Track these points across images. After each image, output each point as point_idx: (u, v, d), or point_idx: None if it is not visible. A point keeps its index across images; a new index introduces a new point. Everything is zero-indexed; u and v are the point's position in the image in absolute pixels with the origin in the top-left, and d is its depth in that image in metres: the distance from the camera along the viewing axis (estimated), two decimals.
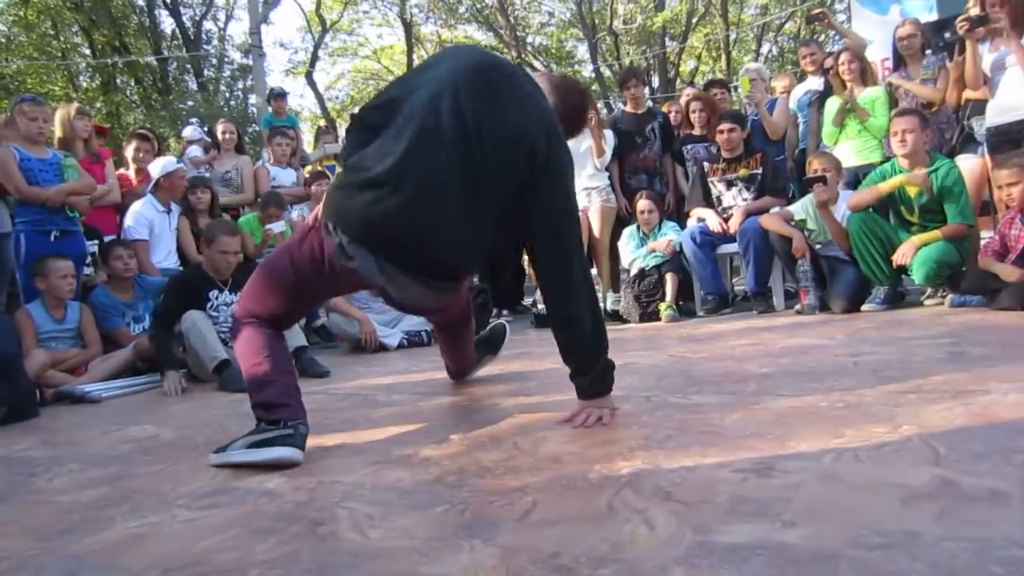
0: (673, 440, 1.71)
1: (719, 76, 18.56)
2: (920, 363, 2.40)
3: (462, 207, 1.83)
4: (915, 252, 3.94)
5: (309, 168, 6.66)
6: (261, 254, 5.05)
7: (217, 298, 3.95)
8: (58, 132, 4.80)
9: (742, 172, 5.01)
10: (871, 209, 4.17)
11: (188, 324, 3.69)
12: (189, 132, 6.81)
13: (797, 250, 4.37)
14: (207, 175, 5.73)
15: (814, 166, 4.54)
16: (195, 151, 6.16)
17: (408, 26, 21.82)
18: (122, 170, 5.52)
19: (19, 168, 4.09)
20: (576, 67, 23.31)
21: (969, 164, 4.34)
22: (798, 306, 4.36)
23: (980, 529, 1.05)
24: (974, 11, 4.48)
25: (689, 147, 5.65)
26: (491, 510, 1.34)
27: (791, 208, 4.67)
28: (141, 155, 5.45)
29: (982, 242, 4.17)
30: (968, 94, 4.46)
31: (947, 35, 4.78)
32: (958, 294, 3.88)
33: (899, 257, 3.98)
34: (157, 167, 5.08)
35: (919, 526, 1.08)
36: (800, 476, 1.35)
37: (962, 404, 1.76)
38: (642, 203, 5.16)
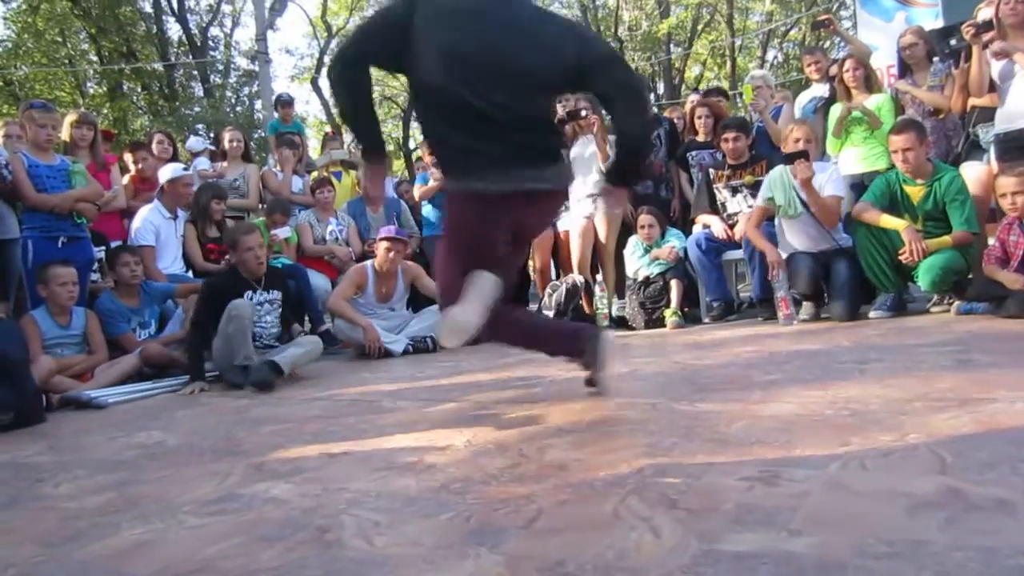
0: (678, 447, 1.71)
1: (719, 84, 18.56)
2: (926, 371, 2.39)
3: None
4: (924, 254, 3.92)
5: (315, 174, 6.68)
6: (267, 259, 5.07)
7: (252, 299, 3.98)
8: (64, 136, 4.83)
9: (747, 179, 5.01)
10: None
11: (236, 312, 3.74)
12: (193, 143, 6.82)
13: (772, 264, 4.36)
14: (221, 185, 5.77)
15: (795, 135, 4.47)
16: (202, 163, 6.17)
17: None
18: (132, 172, 5.55)
19: (27, 175, 4.12)
20: None
21: (975, 171, 4.33)
22: (781, 316, 4.32)
23: (987, 539, 1.05)
24: (981, 15, 4.47)
25: (694, 153, 5.65)
26: (497, 517, 1.34)
27: (760, 192, 4.65)
28: (140, 165, 5.47)
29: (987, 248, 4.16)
30: (974, 101, 4.45)
31: (952, 42, 4.78)
32: (964, 301, 3.86)
33: (908, 255, 3.95)
34: (166, 173, 5.10)
35: (926, 535, 1.07)
36: (806, 484, 1.35)
37: (969, 412, 1.76)
38: (643, 218, 5.15)
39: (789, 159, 4.33)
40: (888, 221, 4.06)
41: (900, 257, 4.00)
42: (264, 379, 3.52)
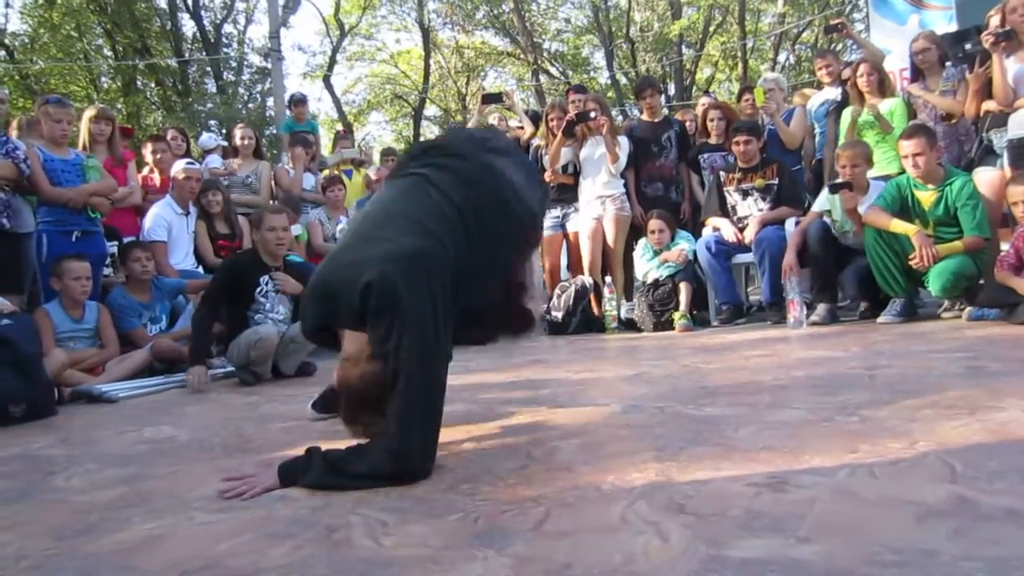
0: (686, 452, 1.70)
1: (730, 86, 18.52)
2: (937, 377, 2.38)
3: None
4: (935, 259, 3.91)
5: (326, 172, 6.71)
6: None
7: (267, 284, 3.95)
8: (83, 135, 4.87)
9: (758, 182, 5.00)
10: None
11: (261, 342, 3.73)
12: (205, 140, 6.86)
13: (786, 267, 4.37)
14: (226, 182, 5.78)
15: (842, 161, 4.47)
16: (214, 160, 6.20)
17: (426, 31, 21.94)
18: (145, 171, 5.57)
19: (42, 169, 4.15)
20: (592, 74, 23.35)
21: (988, 176, 4.30)
22: (790, 319, 4.31)
23: (996, 548, 1.04)
24: (994, 21, 4.45)
25: (706, 156, 5.64)
26: (504, 519, 1.35)
27: (818, 200, 4.70)
28: (159, 156, 5.50)
29: (1000, 254, 4.14)
30: (987, 105, 4.43)
31: (967, 46, 4.75)
32: (976, 307, 3.84)
33: (918, 260, 3.94)
34: (175, 167, 5.13)
35: (934, 544, 1.07)
36: (814, 491, 1.35)
37: (979, 420, 1.75)
38: (653, 223, 5.15)
39: (833, 190, 4.37)
40: (898, 226, 4.04)
41: (911, 262, 3.98)
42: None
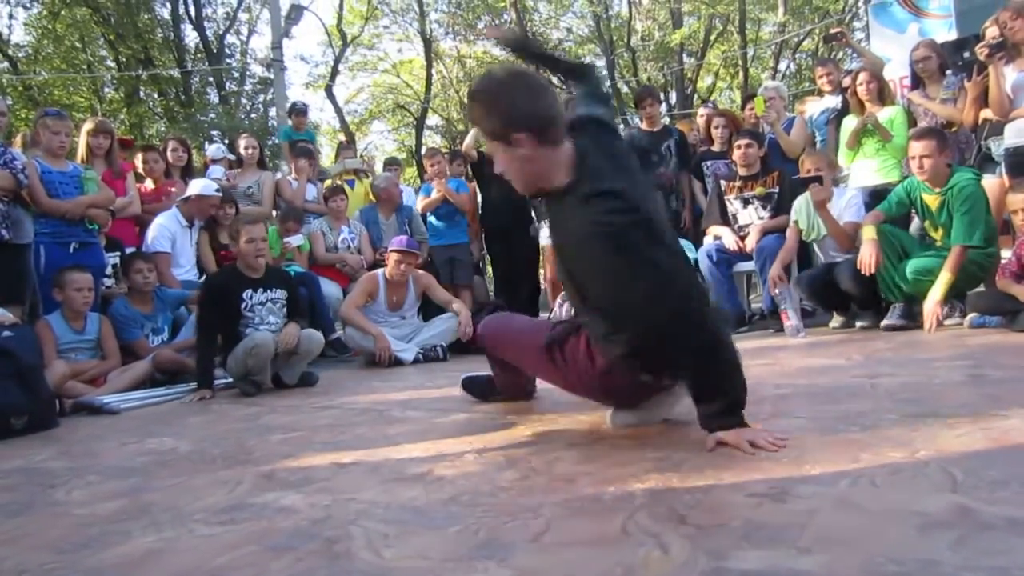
0: (688, 462, 1.70)
1: (731, 95, 18.52)
2: (938, 386, 2.38)
3: None
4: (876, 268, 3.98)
5: (328, 182, 6.73)
6: (279, 266, 5.09)
7: (252, 298, 3.91)
8: (82, 148, 4.88)
9: (758, 190, 5.01)
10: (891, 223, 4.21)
11: (256, 349, 3.71)
12: (213, 151, 6.90)
13: (772, 280, 4.38)
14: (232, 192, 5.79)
15: (806, 166, 4.58)
16: (216, 171, 6.22)
17: (428, 41, 22.00)
18: (146, 183, 5.58)
19: (40, 181, 4.16)
20: None
21: (987, 184, 4.30)
22: (786, 328, 4.30)
23: (998, 558, 1.04)
24: (991, 31, 4.46)
25: (709, 163, 5.65)
26: (505, 531, 1.35)
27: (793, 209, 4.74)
28: (149, 165, 5.48)
29: (1002, 262, 4.13)
30: (985, 113, 4.44)
31: (966, 54, 4.76)
32: (977, 314, 3.84)
33: (928, 322, 3.85)
34: (197, 187, 5.10)
35: (936, 555, 1.07)
36: (815, 501, 1.34)
37: (981, 429, 1.75)
38: None
39: (804, 183, 4.39)
40: (865, 230, 4.10)
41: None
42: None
